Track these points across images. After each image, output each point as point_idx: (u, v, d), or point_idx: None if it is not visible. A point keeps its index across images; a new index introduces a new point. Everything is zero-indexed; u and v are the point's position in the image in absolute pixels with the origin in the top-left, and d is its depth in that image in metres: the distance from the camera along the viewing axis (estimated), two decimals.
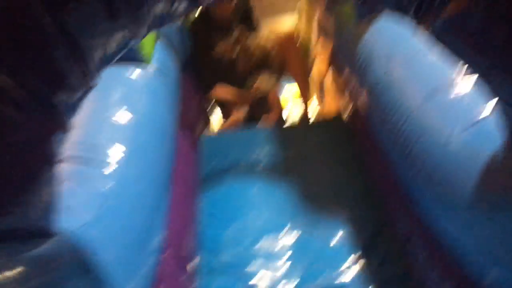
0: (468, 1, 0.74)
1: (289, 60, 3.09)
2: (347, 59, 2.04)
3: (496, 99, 0.94)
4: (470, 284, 1.25)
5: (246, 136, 2.66)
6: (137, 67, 1.96)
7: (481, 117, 1.17)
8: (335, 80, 2.63)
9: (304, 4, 3.17)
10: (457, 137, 1.20)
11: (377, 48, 1.76)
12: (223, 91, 2.90)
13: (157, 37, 2.19)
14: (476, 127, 1.17)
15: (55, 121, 0.83)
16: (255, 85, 2.88)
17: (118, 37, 0.87)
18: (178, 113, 2.24)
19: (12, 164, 0.80)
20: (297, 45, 3.12)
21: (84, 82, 0.86)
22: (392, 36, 1.74)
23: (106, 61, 0.90)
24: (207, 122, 3.18)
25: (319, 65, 3.07)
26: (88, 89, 0.91)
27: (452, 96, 1.33)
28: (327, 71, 2.85)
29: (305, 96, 3.24)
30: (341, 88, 2.45)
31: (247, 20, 2.91)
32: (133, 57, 1.98)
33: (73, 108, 0.90)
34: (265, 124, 2.94)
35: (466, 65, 0.90)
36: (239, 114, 2.94)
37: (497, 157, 1.06)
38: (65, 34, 0.78)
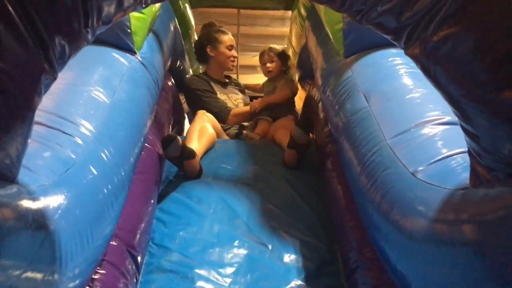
0: (460, 28, 0.79)
1: None
2: (329, 89, 2.10)
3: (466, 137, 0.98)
4: None
5: (217, 144, 2.66)
6: (125, 53, 1.98)
7: (449, 153, 1.23)
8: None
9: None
10: (422, 170, 1.25)
11: (360, 83, 1.82)
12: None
13: (150, 31, 2.22)
14: (443, 162, 1.22)
15: (47, 62, 0.82)
16: None
17: None
18: (153, 108, 2.24)
19: None
20: None
21: (83, 34, 0.86)
22: (376, 72, 1.81)
23: (107, 19, 0.91)
24: (181, 126, 3.19)
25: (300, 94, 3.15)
26: (83, 44, 0.92)
27: (424, 133, 1.38)
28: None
29: None
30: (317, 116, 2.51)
31: None
32: (123, 45, 2.01)
33: (65, 58, 0.90)
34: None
35: (441, 95, 0.94)
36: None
37: (455, 193, 1.09)
38: None
